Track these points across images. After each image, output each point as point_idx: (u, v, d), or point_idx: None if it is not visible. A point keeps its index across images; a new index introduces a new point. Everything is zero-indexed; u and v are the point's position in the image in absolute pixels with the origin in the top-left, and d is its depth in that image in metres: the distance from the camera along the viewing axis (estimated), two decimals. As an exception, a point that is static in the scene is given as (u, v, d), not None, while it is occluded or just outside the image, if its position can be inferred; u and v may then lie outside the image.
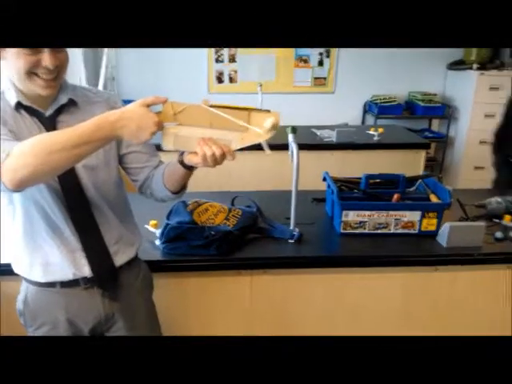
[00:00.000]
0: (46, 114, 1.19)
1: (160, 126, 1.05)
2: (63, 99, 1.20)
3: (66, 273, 1.26)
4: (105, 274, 1.29)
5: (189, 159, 1.16)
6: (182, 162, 1.20)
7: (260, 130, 1.11)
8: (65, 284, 1.28)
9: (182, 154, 1.19)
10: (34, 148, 1.00)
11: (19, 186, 1.03)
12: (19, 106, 1.17)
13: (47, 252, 1.25)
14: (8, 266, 1.35)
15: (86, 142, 1.01)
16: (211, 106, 1.08)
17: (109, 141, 1.07)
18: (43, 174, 1.04)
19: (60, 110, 1.21)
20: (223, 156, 1.10)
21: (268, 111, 1.11)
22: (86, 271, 1.27)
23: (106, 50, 3.92)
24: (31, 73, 1.10)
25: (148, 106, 1.04)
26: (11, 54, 1.08)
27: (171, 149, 1.13)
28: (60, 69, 1.14)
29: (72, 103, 1.22)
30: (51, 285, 1.28)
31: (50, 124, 1.19)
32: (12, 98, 1.16)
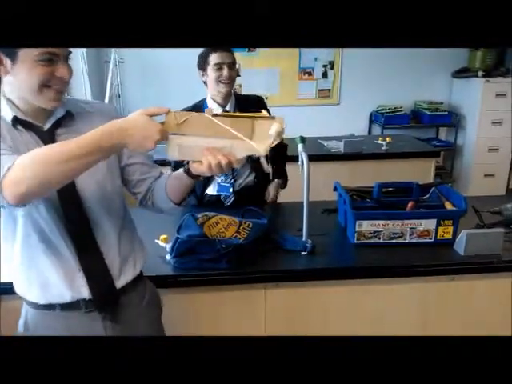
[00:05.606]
0: (44, 128, 1.16)
1: (164, 135, 1.05)
2: (60, 112, 1.17)
3: (63, 294, 1.20)
4: (105, 296, 1.24)
5: (195, 168, 1.16)
6: (188, 172, 1.20)
7: (264, 140, 1.10)
8: (65, 307, 1.22)
9: (187, 164, 1.19)
10: (34, 160, 0.97)
11: (22, 200, 0.99)
12: (16, 121, 1.13)
13: (44, 271, 1.19)
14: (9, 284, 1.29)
15: (91, 151, 0.98)
16: (214, 116, 1.08)
17: (115, 150, 1.04)
18: (47, 186, 1.00)
19: (58, 123, 1.18)
20: (229, 164, 1.10)
21: (272, 117, 1.11)
22: (85, 293, 1.21)
23: (111, 66, 3.94)
24: (44, 85, 1.08)
25: (150, 115, 1.03)
26: (25, 65, 1.05)
27: (176, 158, 1.13)
28: (68, 81, 1.13)
29: (69, 116, 1.20)
30: (51, 307, 1.22)
31: (48, 138, 1.15)
32: (8, 114, 1.13)
